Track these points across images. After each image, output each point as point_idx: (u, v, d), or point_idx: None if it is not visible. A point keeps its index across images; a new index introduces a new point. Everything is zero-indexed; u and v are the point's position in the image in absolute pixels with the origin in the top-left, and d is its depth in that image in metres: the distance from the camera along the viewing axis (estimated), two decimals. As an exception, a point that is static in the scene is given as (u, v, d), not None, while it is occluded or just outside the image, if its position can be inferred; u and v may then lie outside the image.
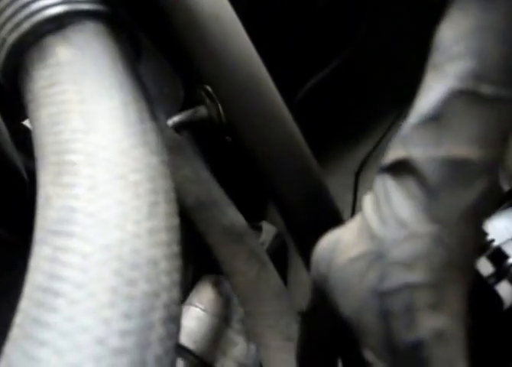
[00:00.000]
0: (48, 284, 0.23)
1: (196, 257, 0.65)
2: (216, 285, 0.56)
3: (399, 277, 0.18)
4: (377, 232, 0.19)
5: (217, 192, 0.51)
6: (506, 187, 0.44)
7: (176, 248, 0.26)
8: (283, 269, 0.56)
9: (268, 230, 0.57)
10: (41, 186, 0.26)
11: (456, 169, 0.18)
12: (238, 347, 0.53)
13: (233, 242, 0.48)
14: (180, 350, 0.53)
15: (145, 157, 0.27)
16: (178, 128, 0.58)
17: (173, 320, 0.24)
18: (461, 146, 0.18)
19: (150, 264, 0.24)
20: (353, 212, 0.50)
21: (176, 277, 0.25)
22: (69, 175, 0.25)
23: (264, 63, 0.31)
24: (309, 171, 0.31)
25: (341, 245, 0.21)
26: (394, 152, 0.20)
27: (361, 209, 0.21)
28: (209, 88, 0.60)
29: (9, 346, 0.23)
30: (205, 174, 0.52)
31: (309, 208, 0.31)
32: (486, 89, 0.18)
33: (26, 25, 0.29)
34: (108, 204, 0.24)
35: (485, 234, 0.37)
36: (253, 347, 0.53)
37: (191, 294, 0.57)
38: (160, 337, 0.23)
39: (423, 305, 0.18)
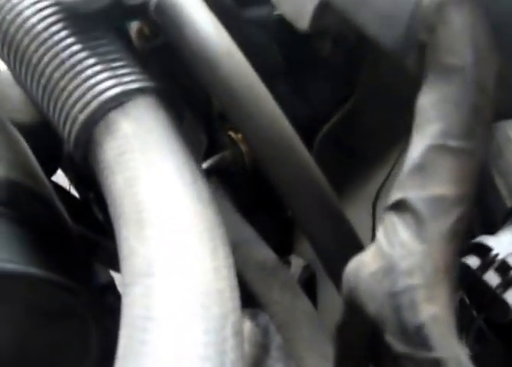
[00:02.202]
0: (144, 313, 0.28)
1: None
2: (253, 318, 0.61)
3: (404, 282, 0.27)
4: (388, 252, 0.28)
5: (248, 231, 0.57)
6: (509, 204, 0.49)
7: (234, 281, 0.33)
8: (313, 297, 0.61)
9: (297, 263, 0.62)
10: (124, 240, 0.32)
11: (437, 203, 0.27)
12: (279, 373, 0.57)
13: (267, 276, 0.53)
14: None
15: (202, 210, 0.34)
16: (207, 174, 0.63)
17: (240, 335, 0.30)
18: (439, 186, 0.27)
19: (218, 293, 0.30)
20: (372, 238, 0.55)
21: (237, 303, 0.31)
22: (149, 229, 0.32)
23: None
24: (332, 206, 0.37)
25: (363, 264, 0.29)
26: (395, 194, 0.29)
27: (375, 238, 0.30)
28: (231, 133, 0.66)
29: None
30: (235, 216, 0.57)
31: (336, 240, 0.37)
32: (452, 143, 0.27)
33: (94, 104, 0.35)
34: (181, 250, 0.31)
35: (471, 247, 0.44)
36: (292, 372, 0.57)
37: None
38: (232, 346, 0.29)
39: (422, 299, 0.26)
